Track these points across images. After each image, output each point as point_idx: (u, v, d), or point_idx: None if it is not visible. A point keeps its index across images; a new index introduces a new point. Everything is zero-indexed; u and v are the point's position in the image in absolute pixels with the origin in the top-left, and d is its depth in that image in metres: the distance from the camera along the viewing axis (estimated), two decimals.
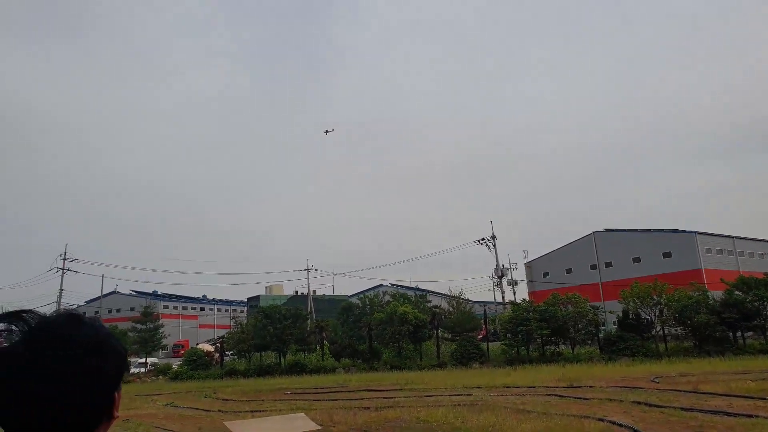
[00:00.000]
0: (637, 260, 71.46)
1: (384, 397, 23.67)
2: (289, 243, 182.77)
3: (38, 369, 1.05)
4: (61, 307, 66.62)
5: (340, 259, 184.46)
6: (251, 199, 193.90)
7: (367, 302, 58.85)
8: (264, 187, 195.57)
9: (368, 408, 20.07)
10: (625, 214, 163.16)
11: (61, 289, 68.13)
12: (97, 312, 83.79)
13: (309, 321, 54.32)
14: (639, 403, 17.89)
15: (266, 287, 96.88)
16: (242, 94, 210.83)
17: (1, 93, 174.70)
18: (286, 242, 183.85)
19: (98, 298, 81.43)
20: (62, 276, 67.69)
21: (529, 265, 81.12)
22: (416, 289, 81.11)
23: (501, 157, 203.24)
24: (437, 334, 47.70)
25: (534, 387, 24.35)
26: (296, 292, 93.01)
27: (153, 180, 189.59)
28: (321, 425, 16.31)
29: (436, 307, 52.93)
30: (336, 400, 23.91)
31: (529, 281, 78.84)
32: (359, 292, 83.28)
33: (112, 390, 1.16)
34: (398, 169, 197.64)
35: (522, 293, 72.84)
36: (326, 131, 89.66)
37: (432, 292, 77.41)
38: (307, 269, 77.52)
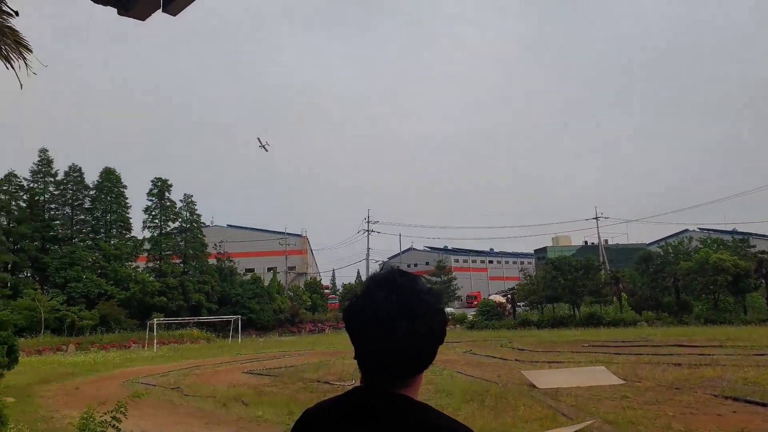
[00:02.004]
0: None
1: (699, 354, 21.00)
2: (577, 191, 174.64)
3: (406, 316, 1.18)
4: (369, 262, 76.72)
5: (635, 205, 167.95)
6: (538, 147, 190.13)
7: (670, 250, 54.17)
8: (551, 131, 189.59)
9: (679, 365, 17.97)
10: None
11: (368, 248, 78.72)
12: (398, 266, 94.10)
13: (602, 272, 51.86)
14: None
15: (553, 238, 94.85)
16: (519, 42, 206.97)
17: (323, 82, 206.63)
18: (572, 190, 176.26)
19: (398, 254, 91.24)
20: (368, 236, 77.75)
21: None
22: (734, 232, 69.24)
23: None
24: (766, 283, 41.28)
25: None
26: (585, 242, 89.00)
27: (437, 143, 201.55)
28: (624, 379, 15.18)
29: (763, 252, 46.32)
30: (639, 354, 22.07)
31: None
32: (659, 240, 77.21)
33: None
34: (706, 90, 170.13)
35: None
36: (260, 144, 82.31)
37: (756, 235, 65.39)
38: (596, 217, 73.02)
